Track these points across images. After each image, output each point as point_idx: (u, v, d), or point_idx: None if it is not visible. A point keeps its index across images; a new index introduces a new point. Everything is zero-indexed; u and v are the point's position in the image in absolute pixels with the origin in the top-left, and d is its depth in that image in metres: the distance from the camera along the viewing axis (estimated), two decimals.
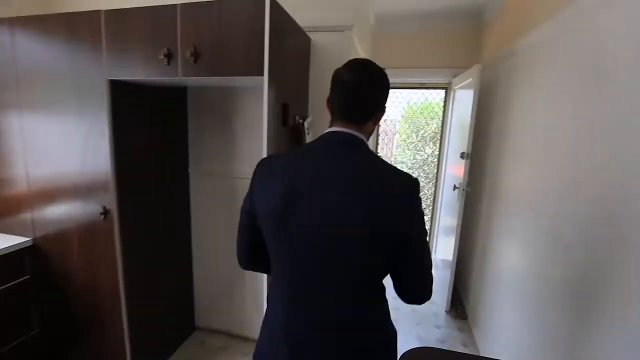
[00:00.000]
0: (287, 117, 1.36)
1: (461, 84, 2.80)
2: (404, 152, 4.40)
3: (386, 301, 0.81)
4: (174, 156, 1.83)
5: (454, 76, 3.05)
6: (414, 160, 4.35)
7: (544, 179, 1.47)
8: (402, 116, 3.81)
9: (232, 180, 1.90)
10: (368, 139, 0.81)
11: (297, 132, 1.51)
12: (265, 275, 1.41)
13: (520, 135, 1.83)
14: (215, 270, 2.03)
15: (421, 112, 3.90)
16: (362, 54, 2.31)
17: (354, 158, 0.74)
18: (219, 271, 2.03)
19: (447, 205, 2.96)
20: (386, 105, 0.85)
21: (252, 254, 0.86)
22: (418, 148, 4.36)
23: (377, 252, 0.71)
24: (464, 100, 2.68)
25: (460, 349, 2.13)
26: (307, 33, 1.66)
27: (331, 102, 0.81)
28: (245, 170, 1.84)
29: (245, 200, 0.83)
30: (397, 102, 3.38)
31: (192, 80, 1.39)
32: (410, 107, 4.05)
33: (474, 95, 2.32)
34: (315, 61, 1.75)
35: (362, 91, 0.77)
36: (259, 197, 0.78)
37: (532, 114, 1.69)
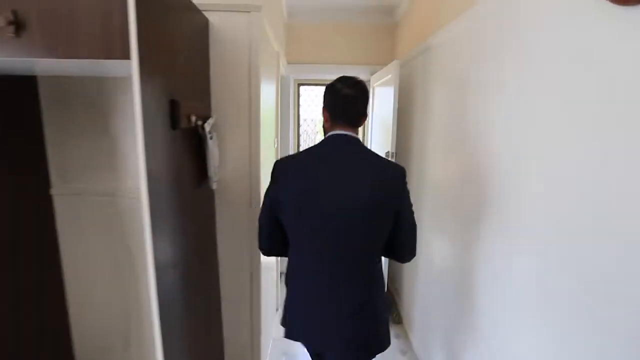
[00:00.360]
0: (176, 118, 1.02)
1: (380, 81, 2.74)
2: None
3: (381, 261, 1.11)
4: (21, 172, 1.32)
5: (372, 73, 3.00)
6: None
7: (457, 172, 1.46)
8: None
9: (115, 201, 1.46)
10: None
11: (194, 137, 1.18)
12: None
13: (438, 129, 1.79)
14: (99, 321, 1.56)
15: None
16: (274, 43, 2.04)
17: (355, 152, 1.02)
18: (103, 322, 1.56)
19: None
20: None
21: (274, 241, 1.10)
22: None
23: (377, 221, 0.99)
24: (385, 97, 2.61)
25: (398, 357, 2.03)
26: (204, 13, 1.33)
27: (331, 111, 1.06)
28: (134, 185, 1.42)
29: (267, 198, 1.06)
30: (319, 101, 3.23)
31: (20, 63, 0.95)
32: None
33: (394, 92, 2.24)
34: (217, 49, 1.42)
35: (358, 102, 1.05)
36: (287, 189, 1.00)
37: (444, 108, 1.65)
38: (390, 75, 2.39)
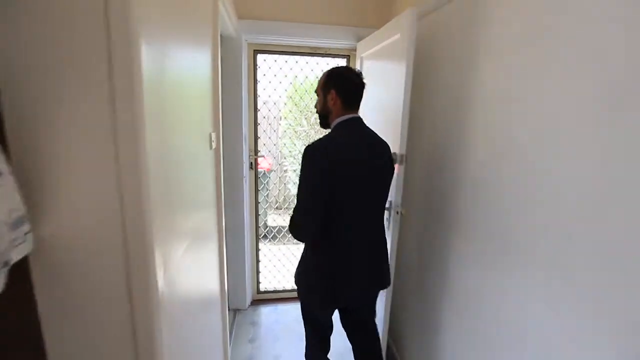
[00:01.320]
0: None
1: (374, 50, 1.90)
2: (293, 143, 3.40)
3: None
4: None
5: (358, 39, 2.15)
6: None
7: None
8: (289, 96, 2.77)
9: None
10: None
11: None
12: None
13: (493, 127, 1.02)
14: None
15: (313, 90, 2.94)
16: None
17: (369, 130, 1.28)
18: None
19: None
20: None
21: (319, 223, 1.14)
22: (311, 137, 3.43)
23: (389, 182, 1.31)
24: (384, 75, 1.79)
25: None
26: None
27: (343, 97, 1.20)
28: None
29: (320, 182, 1.10)
30: (281, 76, 2.32)
31: None
32: (299, 84, 3.05)
33: (406, 66, 1.43)
34: None
35: (363, 89, 1.26)
36: (344, 169, 1.12)
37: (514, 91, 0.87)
38: (395, 37, 1.56)
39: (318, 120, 1.37)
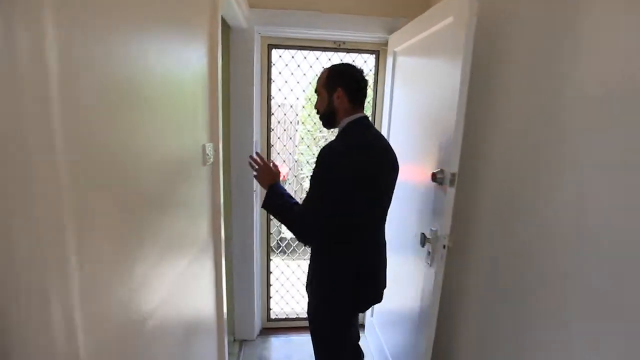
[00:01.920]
0: None
1: (411, 41, 1.57)
2: (311, 150, 3.08)
3: None
4: None
5: (391, 31, 1.82)
6: None
7: None
8: (307, 98, 2.46)
9: None
10: None
11: None
12: None
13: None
14: None
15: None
16: None
17: (377, 132, 1.24)
18: None
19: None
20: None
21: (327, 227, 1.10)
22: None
23: (393, 190, 1.26)
24: (425, 71, 1.45)
25: None
26: None
27: (350, 95, 1.14)
28: None
29: (333, 187, 1.05)
30: (299, 75, 2.02)
31: None
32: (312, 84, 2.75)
33: (463, 56, 1.09)
34: None
35: (367, 87, 1.20)
36: (361, 174, 1.07)
37: None
38: (445, 22, 1.22)
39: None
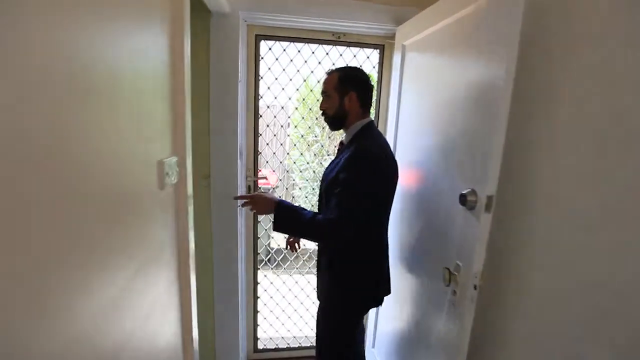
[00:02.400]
0: None
1: (426, 32, 1.32)
2: (302, 156, 2.80)
3: None
4: None
5: (399, 22, 1.57)
6: (321, 170, 2.79)
7: None
8: (300, 99, 2.18)
9: None
10: None
11: None
12: None
13: None
14: None
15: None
16: None
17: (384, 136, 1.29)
18: None
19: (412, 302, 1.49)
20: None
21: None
22: (327, 150, 2.84)
23: None
24: (446, 70, 1.20)
25: None
26: None
27: (362, 101, 1.18)
28: None
29: (370, 191, 1.08)
30: (292, 71, 1.74)
31: None
32: (315, 82, 2.47)
33: (508, 50, 0.84)
34: None
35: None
36: (393, 175, 1.20)
37: None
38: (474, 7, 0.97)
39: (324, 121, 1.28)
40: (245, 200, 1.20)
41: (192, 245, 0.90)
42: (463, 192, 0.98)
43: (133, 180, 0.60)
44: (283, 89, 1.79)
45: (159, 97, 0.71)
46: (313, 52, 1.73)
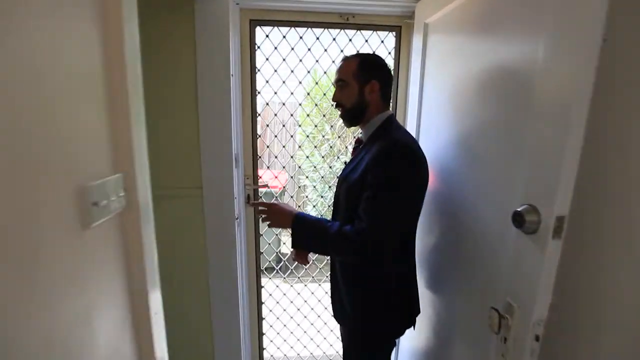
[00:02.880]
0: None
1: (456, 3, 1.06)
2: (312, 156, 2.56)
3: None
4: None
5: None
6: (331, 172, 2.49)
7: None
8: (307, 94, 1.95)
9: None
10: None
11: None
12: None
13: None
14: None
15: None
16: None
17: None
18: None
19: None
20: None
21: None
22: (338, 150, 2.58)
23: None
24: (485, 52, 0.94)
25: None
26: None
27: (384, 91, 1.05)
28: None
29: (410, 195, 0.97)
30: (294, 60, 1.49)
31: None
32: (319, 77, 2.21)
33: (596, 20, 0.57)
34: None
35: None
36: (427, 179, 1.04)
37: None
38: None
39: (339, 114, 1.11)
40: (261, 208, 1.08)
41: (154, 296, 0.68)
42: (518, 209, 0.72)
43: (31, 224, 0.38)
44: (284, 82, 1.55)
45: (83, 101, 0.49)
46: (318, 38, 1.48)
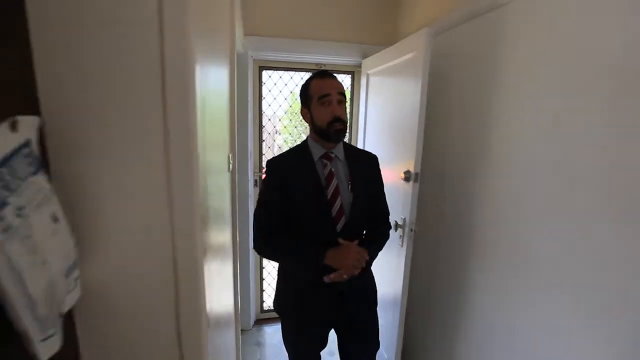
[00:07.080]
0: None
1: (382, 67, 1.92)
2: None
3: None
4: None
5: (365, 56, 2.17)
6: None
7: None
8: (287, 111, 2.76)
9: None
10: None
11: None
12: None
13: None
14: None
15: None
16: None
17: None
18: None
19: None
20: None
21: None
22: None
23: None
24: (393, 90, 1.80)
25: None
26: None
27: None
28: None
29: None
30: (280, 89, 2.31)
31: None
32: (297, 99, 3.03)
33: (422, 82, 1.44)
34: None
35: None
36: None
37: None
38: (410, 56, 1.57)
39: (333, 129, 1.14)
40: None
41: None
42: (404, 171, 1.57)
43: (221, 177, 1.14)
44: (280, 105, 2.35)
45: (226, 115, 1.24)
46: (302, 78, 2.31)
